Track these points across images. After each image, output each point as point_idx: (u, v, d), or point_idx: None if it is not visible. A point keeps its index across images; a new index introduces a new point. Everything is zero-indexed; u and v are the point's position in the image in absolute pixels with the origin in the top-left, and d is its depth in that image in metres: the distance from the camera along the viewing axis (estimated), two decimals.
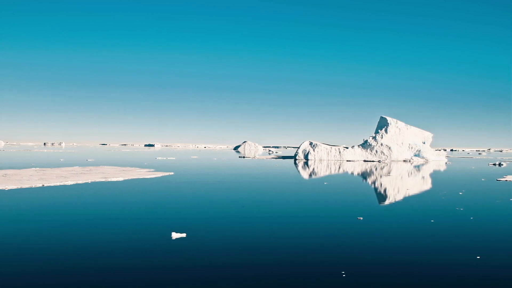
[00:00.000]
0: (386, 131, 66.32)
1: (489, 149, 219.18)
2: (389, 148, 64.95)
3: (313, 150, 65.25)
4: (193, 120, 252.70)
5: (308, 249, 9.66)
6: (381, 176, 33.39)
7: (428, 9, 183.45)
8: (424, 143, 67.95)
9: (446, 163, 61.13)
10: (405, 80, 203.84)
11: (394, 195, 21.24)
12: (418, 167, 46.73)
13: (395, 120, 67.20)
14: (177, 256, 8.87)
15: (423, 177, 33.63)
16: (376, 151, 65.28)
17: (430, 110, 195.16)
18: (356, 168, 43.63)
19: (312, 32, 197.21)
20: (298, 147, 67.93)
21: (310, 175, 35.25)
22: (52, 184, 21.84)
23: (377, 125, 68.97)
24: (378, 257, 9.06)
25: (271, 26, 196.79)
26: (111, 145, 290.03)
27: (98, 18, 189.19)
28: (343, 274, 7.84)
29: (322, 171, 40.54)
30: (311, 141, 67.23)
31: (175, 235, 10.30)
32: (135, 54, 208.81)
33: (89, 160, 50.79)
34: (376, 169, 42.81)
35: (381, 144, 65.42)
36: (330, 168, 43.32)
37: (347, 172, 38.25)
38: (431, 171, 41.32)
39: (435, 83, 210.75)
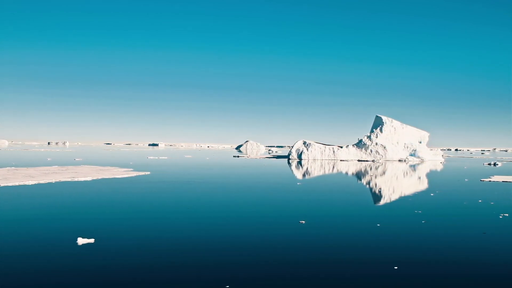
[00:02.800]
0: (381, 130, 65.33)
1: (495, 149, 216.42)
2: (384, 147, 63.94)
3: (307, 149, 64.46)
4: (197, 120, 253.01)
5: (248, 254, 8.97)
6: (367, 176, 32.57)
7: (426, 9, 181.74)
8: (421, 142, 66.85)
9: (441, 162, 60.02)
10: (403, 80, 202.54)
11: (363, 195, 20.45)
12: (411, 167, 45.77)
13: (390, 119, 66.19)
14: (83, 263, 8.22)
15: (407, 177, 32.74)
16: (371, 151, 64.31)
17: (430, 110, 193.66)
18: (348, 168, 42.81)
19: (312, 32, 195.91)
20: (292, 147, 67.19)
21: (293, 173, 34.50)
22: (10, 184, 21.33)
23: (373, 124, 68.01)
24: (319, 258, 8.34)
25: (273, 26, 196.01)
26: (115, 144, 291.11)
27: (100, 18, 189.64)
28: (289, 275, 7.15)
29: (311, 170, 39.75)
30: (304, 140, 66.43)
31: (81, 241, 9.62)
32: (141, 54, 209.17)
33: (76, 159, 50.44)
34: (367, 168, 41.95)
35: (376, 144, 64.43)
36: (322, 168, 42.52)
37: (336, 172, 37.44)
38: (421, 171, 40.35)
39: (434, 83, 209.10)
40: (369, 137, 65.38)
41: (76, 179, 24.83)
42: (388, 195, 20.94)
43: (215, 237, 10.68)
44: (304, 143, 65.86)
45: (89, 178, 25.59)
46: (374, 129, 66.37)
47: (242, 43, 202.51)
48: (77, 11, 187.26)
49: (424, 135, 67.31)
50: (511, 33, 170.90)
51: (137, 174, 29.68)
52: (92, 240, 9.75)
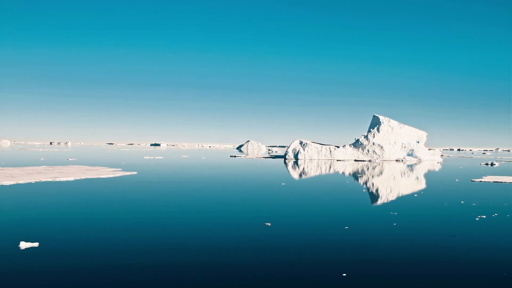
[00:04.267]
0: (378, 130, 64.75)
1: (497, 149, 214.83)
2: (381, 147, 63.36)
3: (303, 149, 63.95)
4: (199, 120, 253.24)
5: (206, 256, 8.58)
6: (357, 176, 32.10)
7: (425, 8, 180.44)
8: (418, 142, 66.20)
9: (438, 162, 59.39)
10: (402, 79, 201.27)
11: (345, 195, 20.00)
12: (407, 167, 45.22)
13: (387, 118, 65.59)
14: (23, 268, 7.87)
15: (398, 177, 32.24)
16: (368, 151, 63.75)
17: (430, 110, 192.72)
18: (342, 168, 42.33)
19: (311, 32, 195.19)
20: (288, 146, 66.72)
21: (283, 173, 34.06)
22: None
23: (370, 124, 67.45)
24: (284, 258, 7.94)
25: (273, 26, 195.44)
26: (118, 144, 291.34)
27: (103, 18, 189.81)
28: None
29: (304, 170, 39.33)
30: (301, 140, 65.95)
31: (24, 245, 9.24)
32: (144, 54, 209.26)
33: (70, 159, 50.22)
34: (362, 169, 41.47)
35: (373, 143, 63.85)
36: (316, 168, 42.06)
37: (328, 172, 36.97)
38: (415, 171, 39.79)
39: (433, 83, 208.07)
40: (366, 136, 64.82)
41: (57, 179, 24.52)
42: (371, 196, 20.49)
43: (174, 238, 10.28)
44: (301, 143, 65.37)
45: (71, 178, 25.27)
46: (371, 129, 65.83)
47: (245, 43, 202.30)
48: (79, 11, 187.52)
49: (422, 134, 66.68)
50: (511, 33, 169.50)
51: (123, 174, 29.34)
52: (36, 244, 9.37)
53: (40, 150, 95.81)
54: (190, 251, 9.27)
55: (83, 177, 26.14)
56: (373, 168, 42.06)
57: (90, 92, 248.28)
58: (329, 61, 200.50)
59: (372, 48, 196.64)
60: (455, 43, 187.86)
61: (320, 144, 66.05)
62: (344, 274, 7.76)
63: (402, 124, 65.97)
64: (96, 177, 26.87)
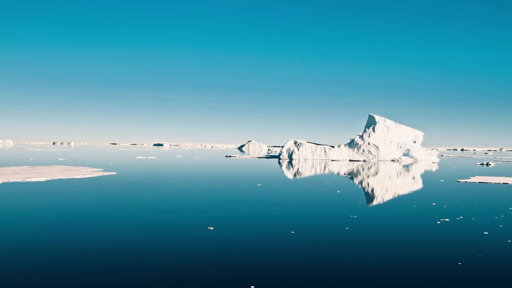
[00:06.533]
0: (373, 129, 63.88)
1: (501, 149, 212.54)
2: (377, 147, 62.47)
3: (298, 149, 63.22)
4: (202, 120, 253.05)
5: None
6: (346, 176, 31.35)
7: (424, 8, 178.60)
8: (415, 142, 65.25)
9: (433, 163, 58.42)
10: (401, 79, 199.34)
11: (317, 196, 19.29)
12: (400, 167, 44.43)
13: (383, 118, 64.72)
14: None
15: (382, 178, 31.46)
16: (363, 151, 62.89)
17: (430, 110, 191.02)
18: (335, 168, 41.62)
19: (309, 32, 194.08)
20: (283, 146, 66.03)
21: (270, 174, 33.37)
22: None
23: (366, 124, 66.58)
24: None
25: (274, 26, 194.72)
26: (121, 144, 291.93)
27: (105, 18, 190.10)
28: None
29: (293, 170, 38.65)
30: (295, 140, 65.22)
31: None
32: (147, 54, 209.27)
33: (59, 159, 49.87)
34: (355, 169, 40.75)
35: (368, 143, 62.97)
36: (307, 168, 41.36)
37: (318, 173, 36.25)
38: (405, 171, 38.94)
39: (433, 82, 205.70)
40: (361, 136, 63.98)
41: (27, 180, 24.02)
42: (343, 198, 19.73)
43: (125, 240, 9.66)
44: (295, 142, 64.65)
45: (43, 179, 24.78)
46: (366, 129, 64.98)
47: (247, 43, 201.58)
48: (81, 11, 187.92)
49: (419, 134, 65.72)
50: (511, 33, 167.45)
51: (101, 175, 28.82)
52: None
53: (37, 150, 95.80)
54: (128, 252, 8.64)
55: (56, 178, 25.65)
56: (366, 169, 41.26)
57: (94, 92, 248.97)
58: (325, 60, 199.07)
59: (369, 47, 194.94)
60: (454, 43, 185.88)
61: (315, 144, 65.28)
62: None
63: (398, 124, 65.07)
64: (71, 177, 26.37)
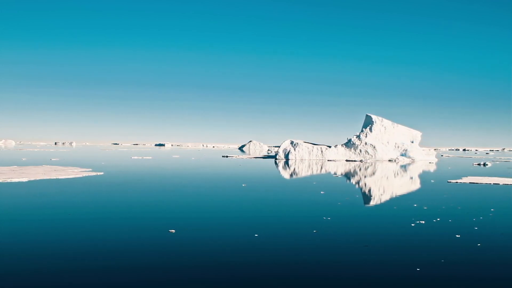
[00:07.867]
0: (370, 129, 63.36)
1: (503, 149, 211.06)
2: (374, 147, 61.94)
3: (294, 149, 62.76)
4: (204, 120, 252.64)
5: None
6: (340, 176, 30.90)
7: (423, 8, 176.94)
8: (413, 142, 64.67)
9: (430, 163, 57.84)
10: (396, 79, 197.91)
11: (300, 197, 18.87)
12: (396, 168, 43.93)
13: (380, 118, 64.18)
14: None
15: (372, 178, 31.00)
16: (360, 151, 62.38)
17: (430, 110, 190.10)
18: (331, 168, 41.19)
19: (308, 32, 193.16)
20: (279, 146, 65.59)
21: (261, 174, 32.96)
22: None
23: (363, 124, 66.08)
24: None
25: (275, 26, 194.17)
26: (123, 144, 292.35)
27: (106, 18, 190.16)
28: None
29: (288, 171, 38.23)
30: (292, 140, 64.78)
31: None
32: (148, 54, 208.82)
33: (52, 159, 49.67)
34: (352, 169, 40.30)
35: (365, 143, 62.45)
36: (304, 168, 40.93)
37: (312, 173, 35.82)
38: (400, 172, 38.42)
39: (432, 82, 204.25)
40: (358, 136, 63.46)
41: (8, 180, 23.72)
42: (322, 200, 19.27)
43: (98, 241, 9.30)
44: (292, 142, 64.20)
45: (25, 179, 24.47)
46: (363, 129, 64.46)
47: (249, 43, 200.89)
48: (82, 11, 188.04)
49: (416, 134, 65.12)
50: (511, 33, 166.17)
51: (87, 175, 28.51)
52: None
53: (36, 150, 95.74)
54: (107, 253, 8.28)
55: (39, 178, 25.35)
56: (360, 169, 40.77)
57: (96, 92, 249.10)
58: (322, 60, 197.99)
59: (367, 47, 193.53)
60: (453, 43, 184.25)
61: (311, 144, 64.82)
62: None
63: (395, 124, 64.50)
64: (55, 178, 26.07)
